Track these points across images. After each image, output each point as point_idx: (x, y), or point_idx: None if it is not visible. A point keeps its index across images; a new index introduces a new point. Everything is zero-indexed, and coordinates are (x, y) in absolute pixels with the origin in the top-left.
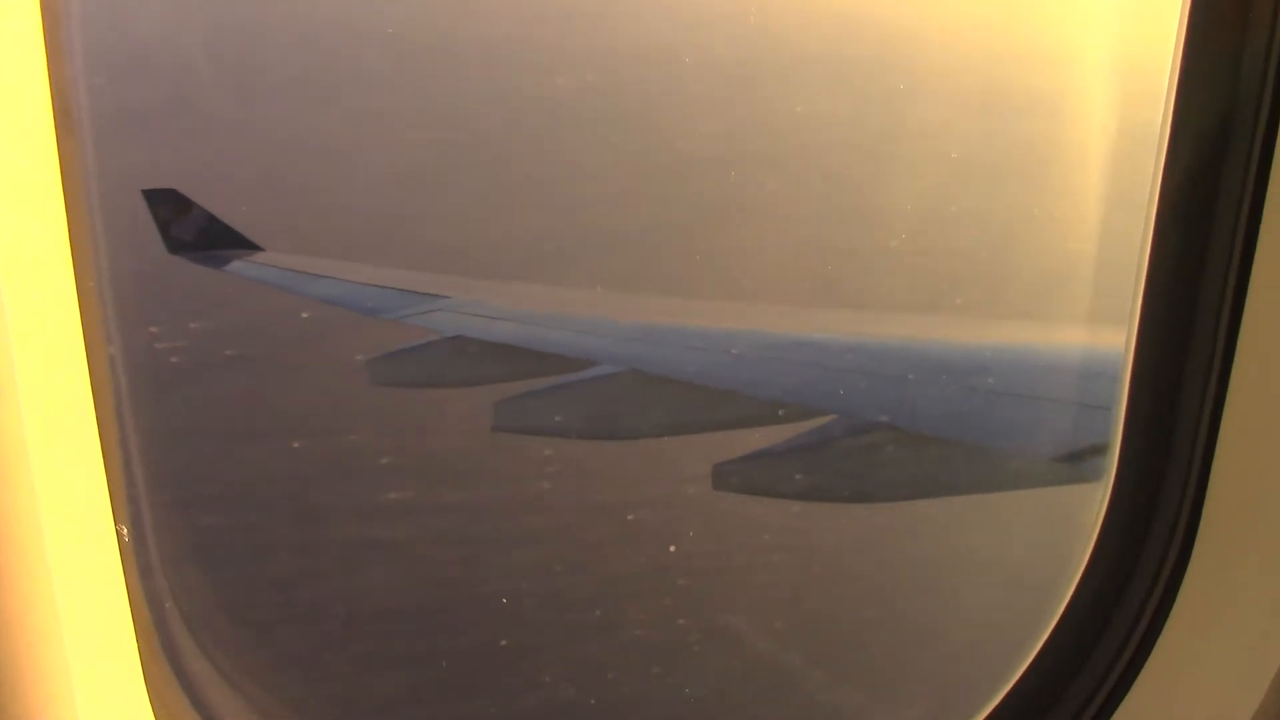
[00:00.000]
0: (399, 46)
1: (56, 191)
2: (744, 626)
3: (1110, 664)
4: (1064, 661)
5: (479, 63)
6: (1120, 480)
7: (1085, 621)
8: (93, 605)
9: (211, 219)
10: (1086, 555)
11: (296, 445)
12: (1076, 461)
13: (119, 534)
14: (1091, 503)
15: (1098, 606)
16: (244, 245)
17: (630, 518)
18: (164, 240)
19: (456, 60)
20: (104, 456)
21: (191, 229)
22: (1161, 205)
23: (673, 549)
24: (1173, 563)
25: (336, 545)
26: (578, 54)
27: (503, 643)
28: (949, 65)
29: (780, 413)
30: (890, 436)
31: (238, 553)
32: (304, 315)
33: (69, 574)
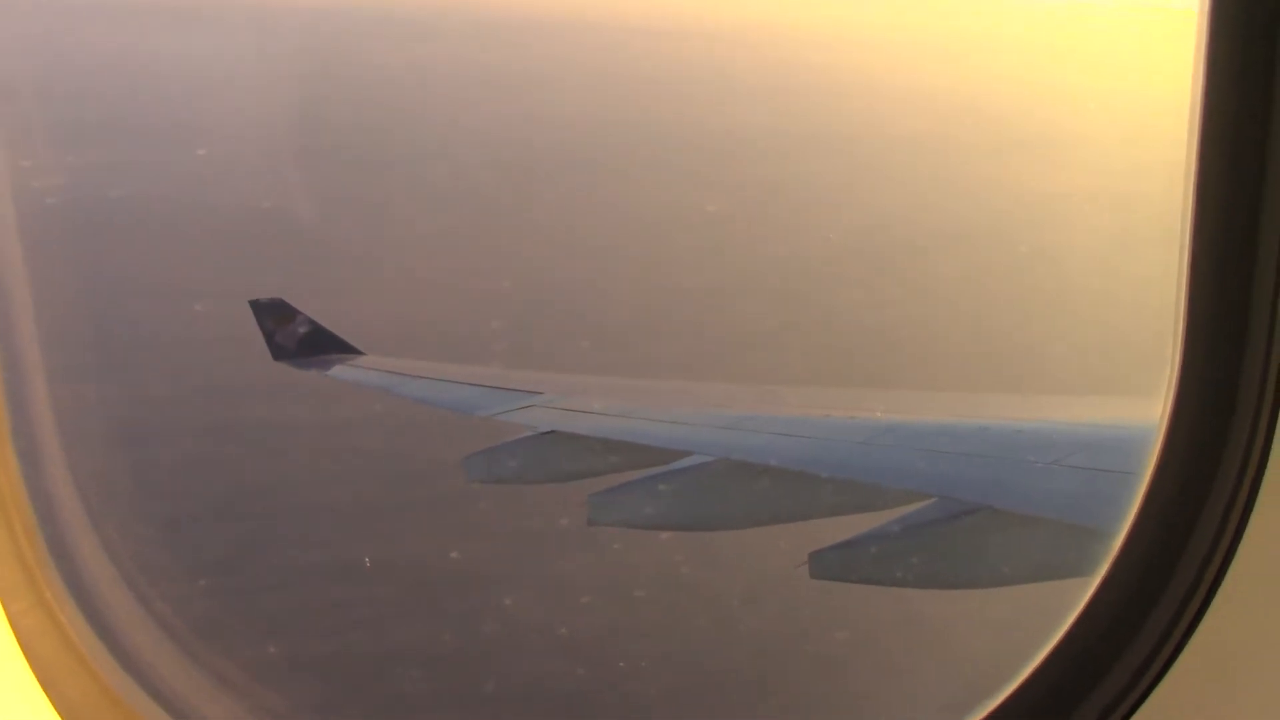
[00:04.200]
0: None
1: None
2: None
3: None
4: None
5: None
6: (1164, 462)
7: (1116, 614)
8: None
9: (314, 325)
10: (1120, 542)
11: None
12: None
13: None
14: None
15: (1133, 597)
16: (344, 350)
17: (729, 607)
18: (269, 347)
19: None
20: None
21: (295, 336)
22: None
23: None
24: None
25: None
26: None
27: None
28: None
29: (876, 497)
30: (991, 518)
31: None
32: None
33: None
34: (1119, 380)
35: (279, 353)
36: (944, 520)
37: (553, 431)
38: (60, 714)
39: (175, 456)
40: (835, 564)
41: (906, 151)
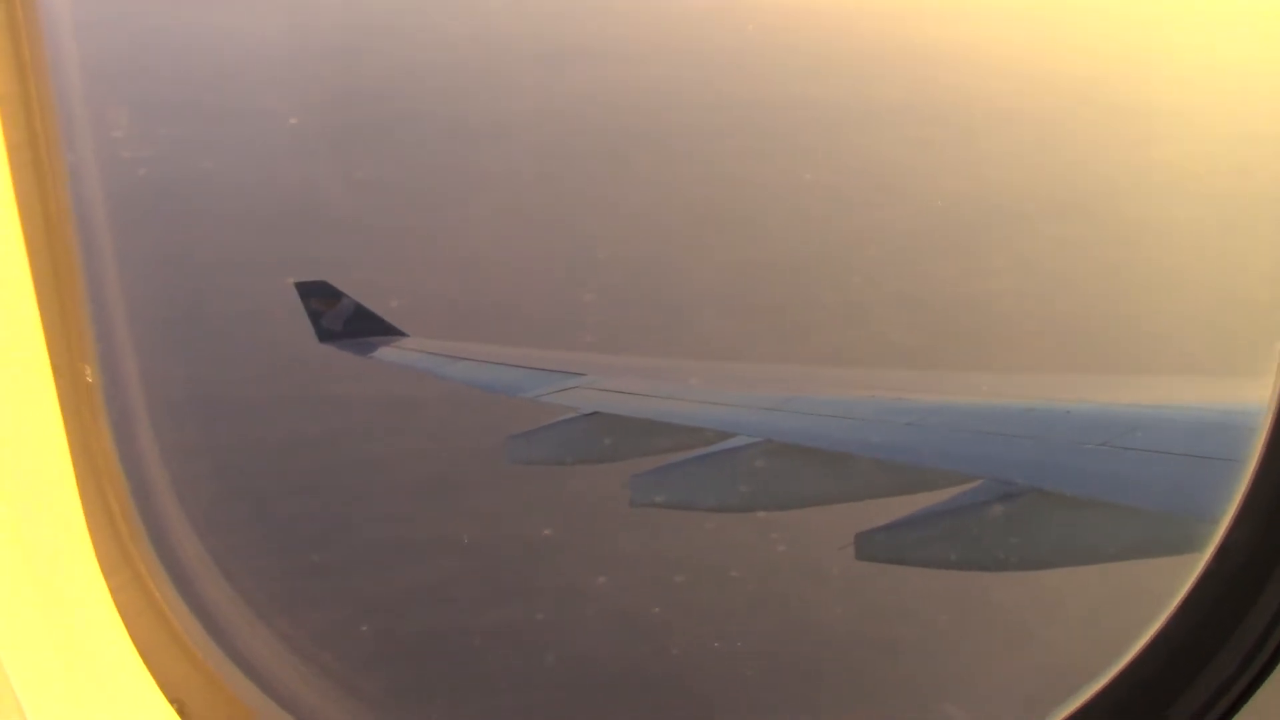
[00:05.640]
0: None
1: None
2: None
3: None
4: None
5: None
6: (1262, 474)
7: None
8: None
9: (358, 307)
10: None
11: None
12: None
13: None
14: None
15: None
16: (389, 331)
17: (770, 589)
18: (315, 328)
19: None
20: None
21: (340, 318)
22: None
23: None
24: None
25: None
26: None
27: None
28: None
29: (922, 479)
30: (1040, 501)
31: None
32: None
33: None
34: (1183, 362)
35: (324, 334)
36: (991, 502)
37: (596, 413)
38: (158, 681)
39: (267, 434)
40: (881, 545)
41: (986, 124)
